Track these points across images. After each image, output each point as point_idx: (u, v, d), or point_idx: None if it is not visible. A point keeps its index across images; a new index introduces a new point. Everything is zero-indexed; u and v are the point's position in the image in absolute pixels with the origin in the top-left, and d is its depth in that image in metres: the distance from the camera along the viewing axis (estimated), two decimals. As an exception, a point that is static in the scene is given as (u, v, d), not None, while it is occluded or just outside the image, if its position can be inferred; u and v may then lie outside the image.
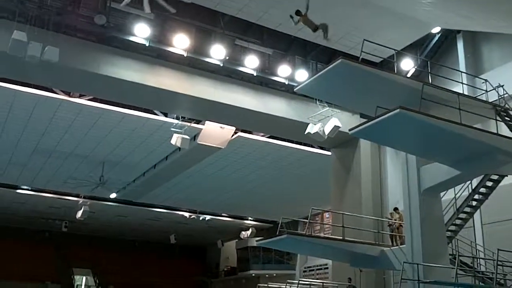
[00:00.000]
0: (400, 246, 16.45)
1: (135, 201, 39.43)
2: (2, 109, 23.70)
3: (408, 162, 15.60)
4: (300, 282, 21.26)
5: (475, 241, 17.56)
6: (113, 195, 37.32)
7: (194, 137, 25.55)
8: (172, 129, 23.35)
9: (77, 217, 37.60)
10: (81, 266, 48.25)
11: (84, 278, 50.10)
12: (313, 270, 30.25)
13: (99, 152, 29.35)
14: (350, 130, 12.74)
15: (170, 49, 20.04)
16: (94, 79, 19.41)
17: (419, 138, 12.88)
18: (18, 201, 39.85)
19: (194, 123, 24.63)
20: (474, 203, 16.48)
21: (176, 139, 23.01)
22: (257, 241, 21.54)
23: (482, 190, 16.29)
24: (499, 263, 12.52)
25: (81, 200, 37.34)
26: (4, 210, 42.64)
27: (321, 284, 20.28)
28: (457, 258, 13.62)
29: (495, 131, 13.34)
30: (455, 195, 16.78)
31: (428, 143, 13.09)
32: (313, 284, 20.89)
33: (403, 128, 12.25)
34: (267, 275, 41.97)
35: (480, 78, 16.95)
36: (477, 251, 16.88)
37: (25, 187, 37.03)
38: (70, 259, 48.57)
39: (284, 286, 19.92)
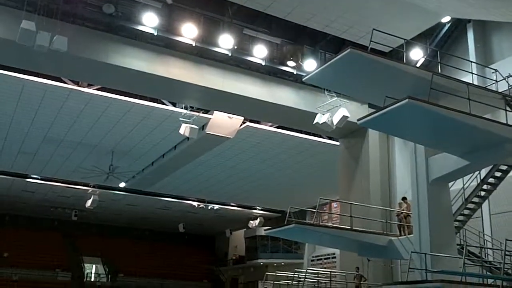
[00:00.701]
0: (408, 236, 16.45)
1: (144, 190, 39.68)
2: (11, 98, 23.85)
3: (416, 152, 15.56)
4: (307, 270, 21.33)
5: (483, 231, 17.52)
6: (122, 185, 37.56)
7: (203, 127, 25.62)
8: (181, 119, 23.42)
9: (86, 206, 37.94)
10: (91, 255, 48.72)
11: (94, 266, 50.59)
12: (320, 259, 30.36)
13: (108, 142, 29.51)
14: (358, 120, 12.70)
15: (179, 38, 20.04)
16: (102, 68, 19.48)
17: (427, 128, 12.83)
18: (28, 190, 40.23)
19: (203, 113, 24.67)
20: (482, 193, 16.46)
21: (184, 129, 23.08)
22: (265, 230, 21.63)
23: (491, 180, 16.24)
24: (507, 253, 12.50)
25: (90, 189, 37.64)
26: (14, 199, 43.09)
27: (329, 273, 20.33)
28: (464, 248, 13.64)
29: (505, 122, 13.26)
30: (464, 185, 16.77)
31: (437, 133, 13.03)
32: (321, 273, 20.95)
33: (412, 118, 12.20)
34: (275, 264, 42.13)
35: (490, 68, 16.82)
36: (485, 241, 16.86)
37: (35, 176, 37.38)
38: (80, 247, 49.05)
39: (292, 275, 19.98)
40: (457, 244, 15.41)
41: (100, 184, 36.51)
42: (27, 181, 37.90)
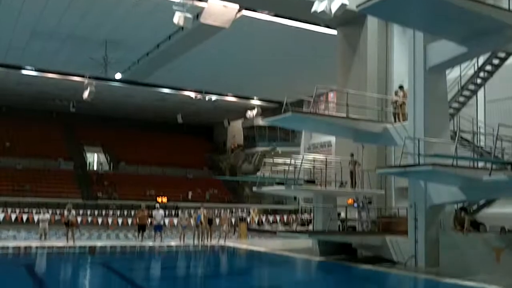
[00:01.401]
0: (403, 123, 16.79)
1: (141, 81, 39.62)
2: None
3: (415, 39, 15.44)
4: (304, 156, 21.90)
5: (477, 118, 17.83)
6: (118, 76, 37.40)
7: (197, 16, 24.97)
8: (174, 7, 22.74)
9: (84, 97, 37.99)
10: (92, 145, 49.76)
11: (95, 155, 51.88)
12: (317, 147, 31.03)
13: (100, 32, 28.96)
14: (358, 6, 12.44)
15: None
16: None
17: (428, 13, 12.60)
18: (24, 82, 40.12)
19: (197, 0, 23.91)
20: (478, 81, 16.57)
21: (178, 18, 22.51)
22: (263, 119, 21.90)
23: (488, 68, 16.28)
24: (498, 138, 12.85)
25: (86, 81, 37.47)
26: (11, 92, 43.13)
27: (325, 159, 20.91)
28: (457, 134, 13.99)
29: (507, 8, 13.02)
30: (460, 73, 16.81)
31: (437, 19, 12.84)
32: (317, 159, 21.54)
33: (412, 3, 11.99)
34: (272, 152, 43.24)
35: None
36: (478, 127, 17.21)
37: (29, 67, 37.11)
38: (80, 137, 49.96)
39: (289, 161, 20.57)
40: (451, 131, 15.79)
41: (96, 75, 36.32)
42: (22, 74, 37.70)
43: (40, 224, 22.74)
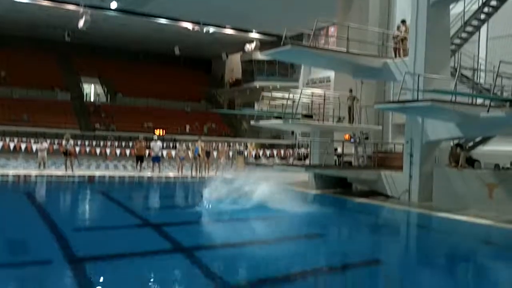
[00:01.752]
0: (403, 58, 16.61)
1: (137, 10, 38.70)
2: None
3: (420, -28, 15.03)
4: (303, 91, 21.81)
5: (478, 55, 17.66)
6: (113, 5, 36.50)
7: None
8: None
9: (79, 26, 37.25)
10: (88, 75, 49.29)
11: (92, 86, 51.55)
12: (315, 82, 30.88)
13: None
14: None
15: None
16: None
17: None
18: (16, 9, 39.07)
19: None
20: (482, 16, 16.26)
21: None
22: (261, 52, 21.59)
23: (493, 3, 15.93)
24: (498, 75, 12.77)
25: (81, 9, 36.63)
26: (2, 19, 42.11)
27: (323, 94, 20.83)
28: (458, 70, 13.87)
29: None
30: (464, 8, 16.47)
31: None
32: (316, 94, 21.45)
33: None
34: (271, 87, 43.03)
35: None
36: (479, 64, 17.07)
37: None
38: (77, 68, 49.40)
39: (287, 95, 20.49)
40: (451, 67, 15.67)
41: (91, 4, 35.43)
42: (14, 0, 36.66)
43: (39, 153, 22.99)
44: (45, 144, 23.72)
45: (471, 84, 15.94)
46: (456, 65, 15.81)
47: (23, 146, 30.61)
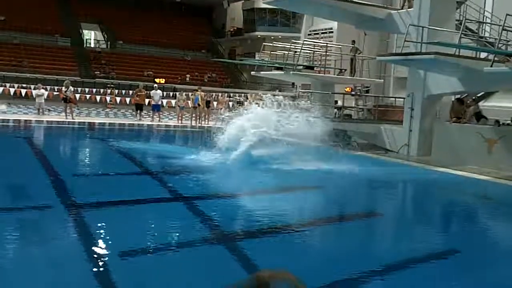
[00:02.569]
0: (408, 9, 16.28)
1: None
2: None
3: None
4: (304, 42, 21.53)
5: (484, 8, 17.30)
6: None
7: None
8: None
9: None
10: (88, 21, 48.46)
11: (92, 33, 50.78)
12: (318, 33, 30.31)
13: None
14: None
15: None
16: None
17: None
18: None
19: None
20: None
21: None
22: (264, 1, 21.13)
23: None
24: (504, 29, 12.53)
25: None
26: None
27: (325, 45, 20.58)
28: (463, 24, 13.62)
29: None
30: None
31: None
32: (317, 45, 21.19)
33: None
34: (272, 37, 42.36)
35: None
36: (485, 17, 16.75)
37: None
38: (77, 14, 48.51)
39: (289, 46, 20.25)
40: (456, 20, 15.38)
41: None
42: None
43: (37, 99, 22.93)
44: (43, 91, 23.61)
45: (476, 37, 15.67)
46: (461, 17, 15.51)
47: (23, 91, 30.40)
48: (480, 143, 13.69)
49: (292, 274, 1.66)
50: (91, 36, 50.88)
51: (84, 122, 22.21)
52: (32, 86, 30.10)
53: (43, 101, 22.90)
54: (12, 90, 30.40)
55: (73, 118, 21.92)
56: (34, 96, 25.03)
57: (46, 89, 25.42)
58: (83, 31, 48.37)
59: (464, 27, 13.99)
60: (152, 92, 24.67)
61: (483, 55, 14.98)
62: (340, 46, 20.51)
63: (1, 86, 31.32)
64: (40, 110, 22.68)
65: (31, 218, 6.81)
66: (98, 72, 41.93)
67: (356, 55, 19.57)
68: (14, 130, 19.52)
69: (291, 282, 1.63)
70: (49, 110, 23.16)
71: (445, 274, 5.59)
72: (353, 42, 19.72)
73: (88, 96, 31.66)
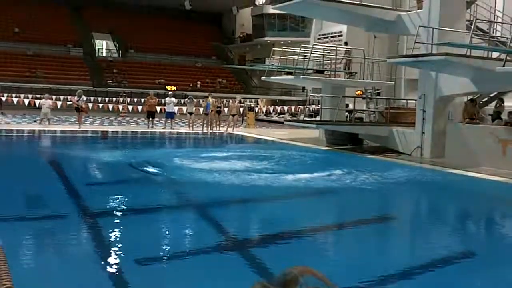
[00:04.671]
0: (417, 10, 16.22)
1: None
2: None
3: None
4: (314, 46, 21.53)
5: (495, 7, 17.16)
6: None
7: None
8: None
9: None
10: (100, 31, 48.91)
11: (104, 42, 51.21)
12: (327, 37, 30.30)
13: None
14: None
15: None
16: None
17: None
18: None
19: None
20: (501, -34, 15.73)
21: None
22: (273, 5, 21.19)
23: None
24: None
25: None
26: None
27: (335, 47, 20.55)
28: (473, 24, 13.54)
29: None
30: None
31: None
32: (327, 48, 21.16)
33: None
34: (281, 42, 42.43)
35: None
36: (496, 17, 16.62)
37: None
38: (89, 24, 48.98)
39: (298, 50, 20.25)
40: (467, 20, 15.29)
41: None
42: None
43: (42, 109, 22.39)
44: (49, 101, 22.98)
45: (487, 37, 15.55)
46: (471, 17, 15.41)
47: (37, 102, 30.60)
48: (494, 144, 13.55)
49: (321, 272, 1.69)
50: (103, 46, 51.27)
51: (96, 130, 22.34)
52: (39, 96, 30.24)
53: (49, 111, 22.29)
54: (26, 101, 30.69)
55: (79, 127, 21.91)
56: (37, 106, 24.80)
57: (51, 99, 24.73)
58: (95, 41, 48.82)
59: (475, 27, 13.90)
60: (167, 99, 24.77)
61: (494, 54, 14.85)
62: (349, 50, 20.48)
63: (16, 97, 31.68)
64: (44, 120, 22.18)
65: (46, 227, 6.88)
66: (110, 81, 42.26)
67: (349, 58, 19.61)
68: (25, 140, 19.71)
69: (321, 278, 1.67)
70: (49, 120, 22.71)
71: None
72: (346, 43, 19.75)
73: (101, 105, 31.90)
